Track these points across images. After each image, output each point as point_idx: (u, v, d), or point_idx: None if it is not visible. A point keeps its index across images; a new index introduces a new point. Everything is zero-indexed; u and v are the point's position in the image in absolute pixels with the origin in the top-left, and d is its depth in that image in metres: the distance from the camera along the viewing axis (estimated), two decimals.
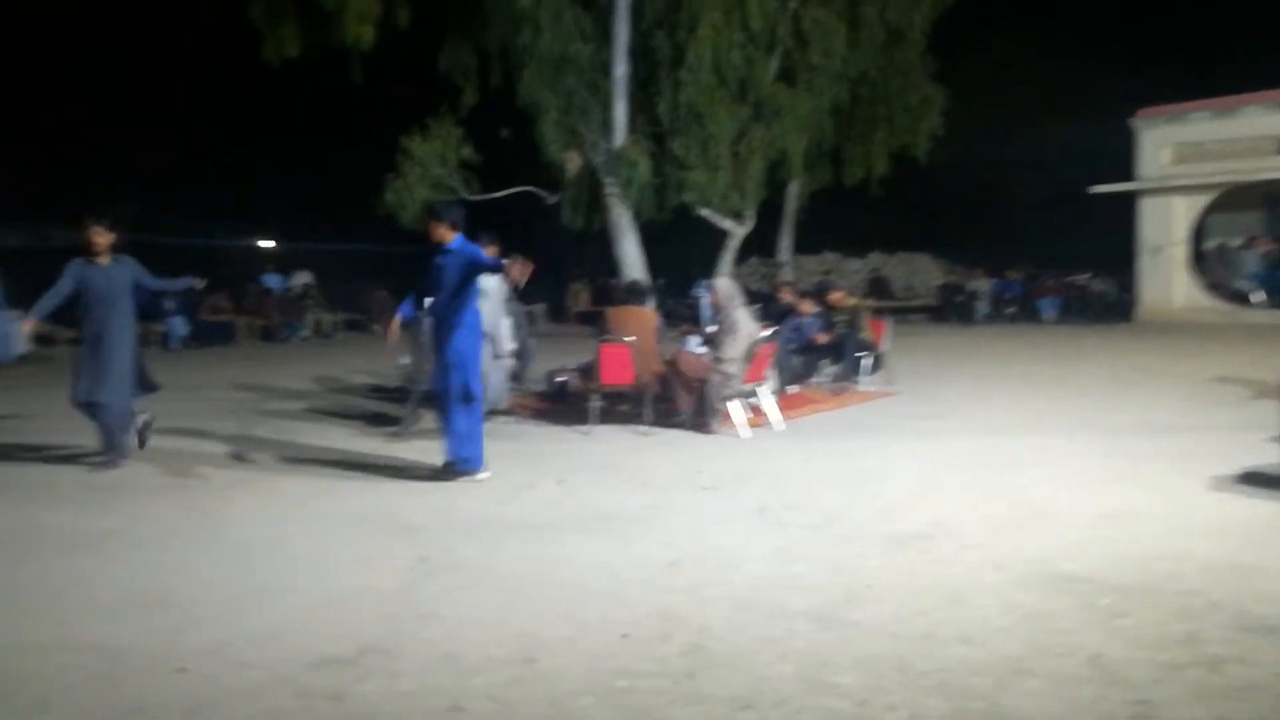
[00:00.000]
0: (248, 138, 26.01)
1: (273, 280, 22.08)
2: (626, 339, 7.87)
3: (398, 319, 6.81)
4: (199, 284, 7.66)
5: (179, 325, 18.66)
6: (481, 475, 6.17)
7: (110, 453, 6.72)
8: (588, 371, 8.35)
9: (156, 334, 18.42)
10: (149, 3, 22.68)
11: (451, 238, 6.23)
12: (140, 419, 7.09)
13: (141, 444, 7.12)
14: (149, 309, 18.73)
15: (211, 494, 6.00)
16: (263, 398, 10.62)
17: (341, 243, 26.45)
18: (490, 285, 8.31)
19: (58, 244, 16.39)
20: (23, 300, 14.91)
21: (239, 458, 7.16)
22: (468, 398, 6.11)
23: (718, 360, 7.87)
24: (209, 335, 19.05)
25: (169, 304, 18.84)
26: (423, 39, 16.38)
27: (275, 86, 19.10)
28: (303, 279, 22.44)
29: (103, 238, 6.57)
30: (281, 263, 23.62)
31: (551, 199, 17.15)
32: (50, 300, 6.59)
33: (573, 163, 16.54)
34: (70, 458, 7.09)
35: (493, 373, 8.31)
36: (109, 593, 4.12)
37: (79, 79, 24.26)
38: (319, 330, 21.29)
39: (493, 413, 8.29)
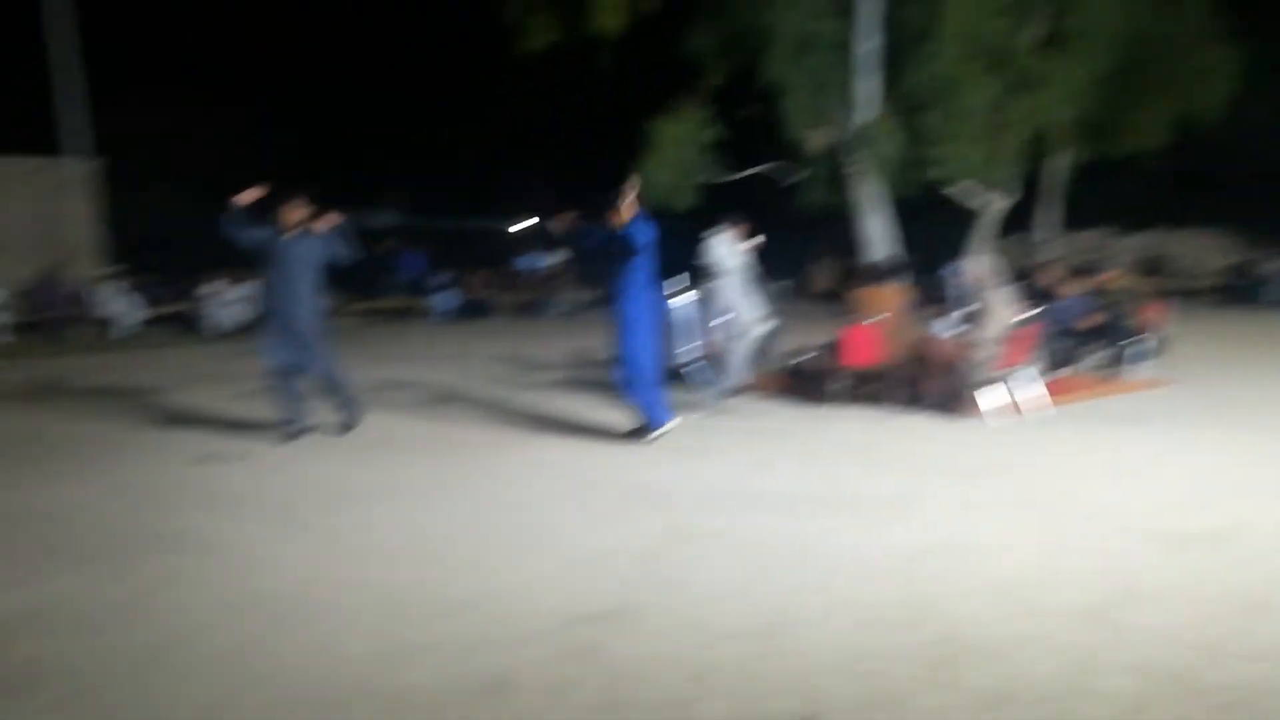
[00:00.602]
0: (507, 127, 27.56)
1: (530, 259, 23.46)
2: (874, 318, 7.66)
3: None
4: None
5: (444, 300, 20.20)
6: (672, 424, 6.64)
7: (346, 411, 7.20)
8: (832, 351, 8.21)
9: (424, 308, 20.09)
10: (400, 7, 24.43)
11: (624, 221, 6.77)
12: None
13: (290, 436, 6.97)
14: (418, 286, 20.45)
15: (473, 455, 6.43)
16: (519, 368, 11.24)
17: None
18: (733, 264, 8.36)
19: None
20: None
21: (497, 423, 7.62)
22: (636, 361, 6.64)
23: (971, 343, 7.51)
24: (471, 310, 20.50)
25: (436, 280, 20.46)
26: (667, 22, 16.62)
27: (529, 78, 20.08)
28: (557, 258, 23.62)
29: (294, 213, 6.91)
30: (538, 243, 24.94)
31: (794, 178, 16.96)
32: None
33: (817, 140, 16.26)
34: (332, 422, 7.70)
35: (734, 350, 8.37)
36: (387, 540, 4.54)
37: (345, 77, 26.50)
38: (573, 307, 22.29)
39: (735, 390, 8.36)
